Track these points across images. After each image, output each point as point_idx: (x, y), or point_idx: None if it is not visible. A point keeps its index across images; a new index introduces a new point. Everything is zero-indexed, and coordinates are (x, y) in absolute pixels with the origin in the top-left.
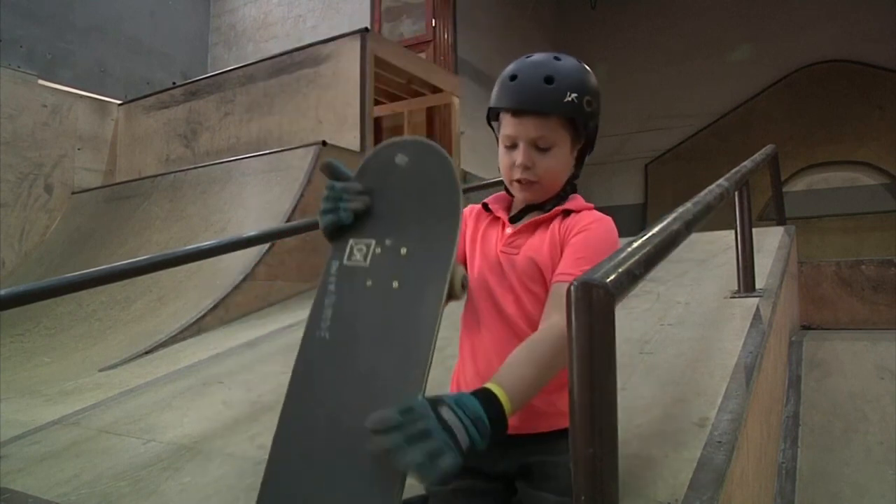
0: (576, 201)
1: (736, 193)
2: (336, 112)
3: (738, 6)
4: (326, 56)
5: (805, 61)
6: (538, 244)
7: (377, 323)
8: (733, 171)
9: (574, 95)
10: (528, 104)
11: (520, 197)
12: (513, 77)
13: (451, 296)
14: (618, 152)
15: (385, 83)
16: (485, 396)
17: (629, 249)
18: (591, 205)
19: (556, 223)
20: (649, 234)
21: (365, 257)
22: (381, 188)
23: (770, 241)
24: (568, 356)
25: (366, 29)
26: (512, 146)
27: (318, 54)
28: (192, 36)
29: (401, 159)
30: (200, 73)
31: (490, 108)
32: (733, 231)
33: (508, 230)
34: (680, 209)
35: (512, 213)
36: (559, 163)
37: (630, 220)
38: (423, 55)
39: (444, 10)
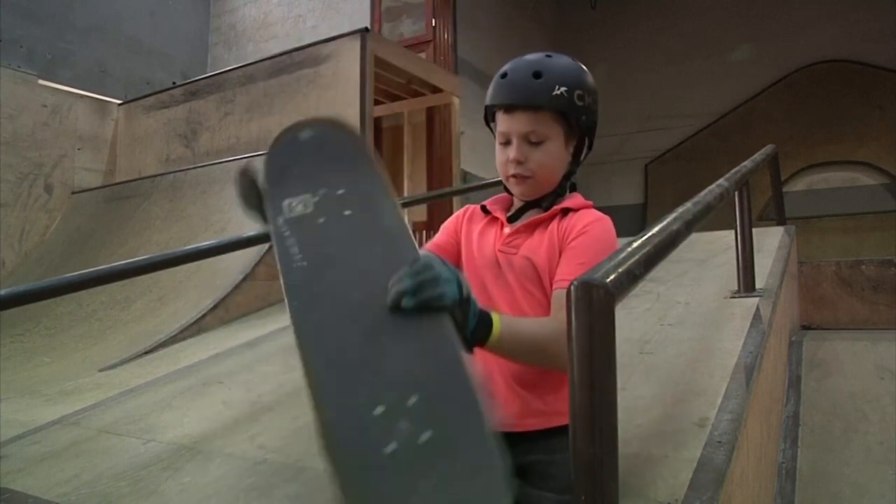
0: (574, 199)
1: (736, 193)
2: (336, 112)
3: (738, 6)
4: (326, 56)
5: (805, 61)
6: (536, 245)
7: (347, 239)
8: (733, 171)
9: (563, 89)
10: (518, 98)
11: (516, 192)
12: (504, 75)
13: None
14: (618, 152)
15: (385, 83)
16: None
17: (629, 249)
18: (591, 203)
19: (554, 223)
20: (649, 234)
21: (305, 207)
22: (294, 158)
23: (770, 241)
24: (568, 356)
25: (366, 29)
26: (506, 143)
27: (318, 54)
28: (192, 36)
29: (305, 134)
30: (200, 73)
31: (486, 109)
32: (733, 231)
33: (507, 230)
34: (680, 209)
35: (510, 213)
36: (552, 157)
37: (630, 220)
38: (423, 55)
39: (444, 10)
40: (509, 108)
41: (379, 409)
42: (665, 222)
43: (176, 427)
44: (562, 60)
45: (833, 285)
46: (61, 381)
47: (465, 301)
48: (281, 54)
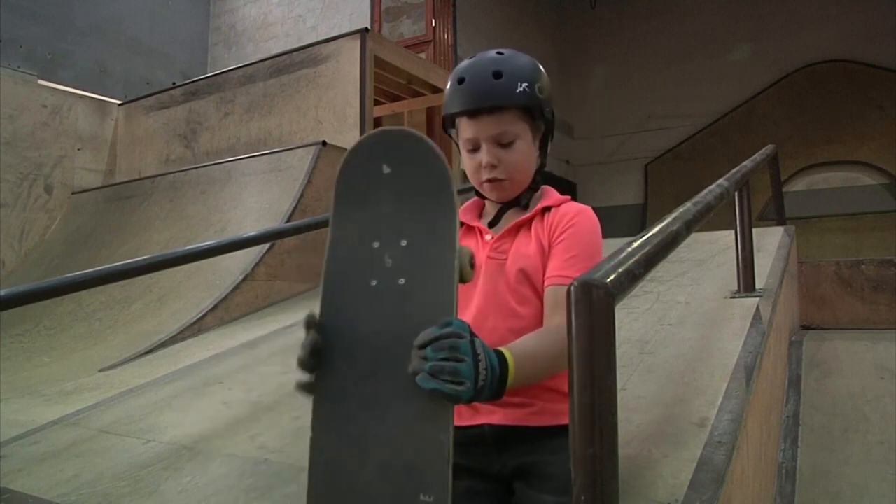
0: (551, 195)
1: (736, 193)
2: (336, 112)
3: (738, 6)
4: (326, 56)
5: (805, 61)
6: (524, 247)
7: (390, 316)
8: (733, 171)
9: (525, 85)
10: (482, 101)
11: (493, 197)
12: (461, 80)
13: (462, 278)
14: (618, 152)
15: (385, 83)
16: (498, 354)
17: (629, 249)
18: (568, 196)
19: (537, 222)
20: (649, 234)
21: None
22: (364, 198)
23: (770, 241)
24: (568, 356)
25: (366, 29)
26: (474, 149)
27: (318, 54)
28: (192, 36)
29: (387, 168)
30: (200, 73)
31: (445, 117)
32: (733, 231)
33: (488, 237)
34: (680, 209)
35: (490, 219)
36: (524, 156)
37: (630, 220)
38: (423, 55)
39: (444, 11)
40: (474, 114)
41: None
42: (665, 222)
43: (176, 427)
44: (515, 55)
45: (833, 285)
46: (61, 381)
47: (479, 393)
48: (281, 54)
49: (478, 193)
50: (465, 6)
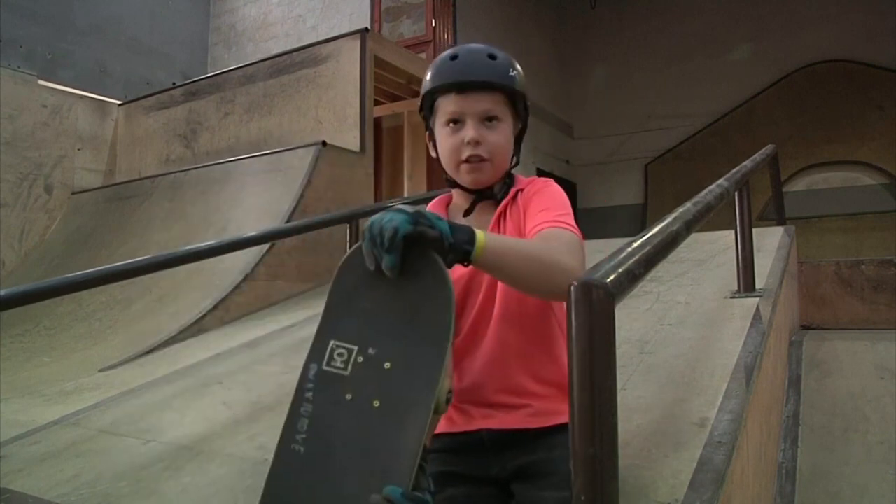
0: (520, 180)
1: (736, 193)
2: (336, 112)
3: (738, 6)
4: (326, 56)
5: (805, 61)
6: (512, 232)
7: (355, 442)
8: (733, 171)
9: (515, 72)
10: (476, 76)
11: (468, 180)
12: (453, 57)
13: (435, 411)
14: (618, 152)
15: (385, 83)
16: (467, 230)
17: (629, 249)
18: (534, 176)
19: (512, 207)
20: (649, 234)
21: (346, 364)
22: (366, 287)
23: (770, 241)
24: (568, 356)
25: (366, 29)
26: (457, 124)
27: (318, 54)
28: (192, 36)
29: (389, 268)
30: (200, 73)
31: (424, 96)
32: (733, 231)
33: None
34: (680, 209)
35: (461, 212)
36: (506, 139)
37: (630, 220)
38: (423, 55)
39: (444, 11)
40: (463, 89)
41: None
42: (665, 222)
43: (176, 427)
44: (503, 51)
45: (833, 285)
46: (61, 381)
47: (427, 228)
48: (281, 54)
49: (449, 184)
50: (465, 6)
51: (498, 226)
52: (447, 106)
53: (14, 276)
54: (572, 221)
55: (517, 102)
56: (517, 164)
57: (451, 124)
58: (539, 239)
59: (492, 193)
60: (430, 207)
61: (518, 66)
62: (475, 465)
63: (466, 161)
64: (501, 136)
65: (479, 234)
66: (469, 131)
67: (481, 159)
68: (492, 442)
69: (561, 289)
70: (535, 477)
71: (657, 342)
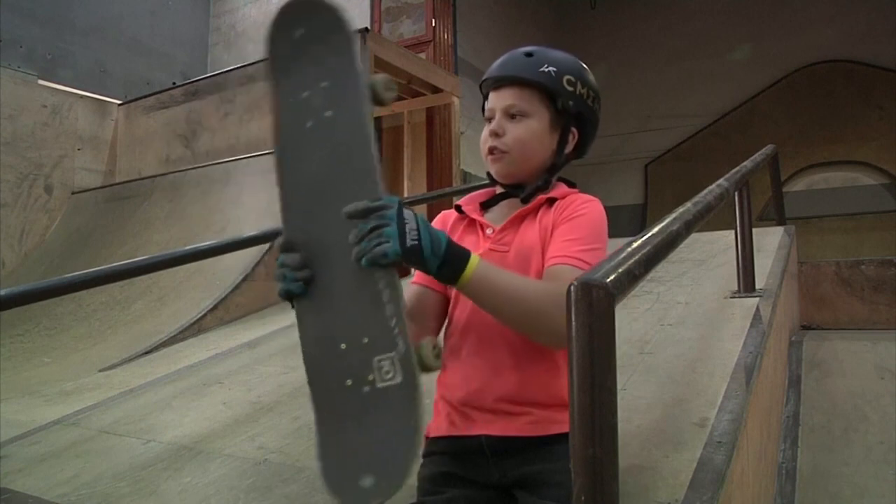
0: (558, 188)
1: (736, 193)
2: None
3: (738, 6)
4: None
5: (805, 61)
6: (528, 238)
7: (325, 149)
8: (733, 171)
9: (552, 69)
10: (506, 71)
11: (493, 170)
12: (501, 58)
13: (424, 367)
14: (618, 152)
15: None
16: (453, 241)
17: (629, 249)
18: (576, 189)
19: (542, 213)
20: (649, 234)
21: (308, 95)
22: (292, 51)
23: (770, 241)
24: (568, 356)
25: (366, 29)
26: (489, 120)
27: None
28: (192, 36)
29: (299, 33)
30: (200, 73)
31: (482, 92)
32: (733, 231)
33: (489, 231)
34: (680, 209)
35: (484, 200)
36: (530, 133)
37: (630, 220)
38: (423, 55)
39: (444, 11)
40: (497, 85)
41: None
42: (665, 222)
43: (176, 427)
44: (561, 53)
45: (833, 285)
46: (61, 381)
47: (413, 252)
48: None
49: (490, 180)
50: (465, 6)
51: (514, 228)
52: (486, 103)
53: (14, 276)
54: (595, 259)
55: (555, 99)
56: (556, 165)
57: (488, 120)
58: (548, 276)
59: (520, 191)
60: (464, 203)
61: (566, 64)
62: (475, 469)
63: (490, 152)
64: (524, 130)
65: (469, 267)
66: (493, 124)
67: (500, 151)
68: (491, 448)
69: (543, 338)
70: (539, 486)
71: (657, 342)
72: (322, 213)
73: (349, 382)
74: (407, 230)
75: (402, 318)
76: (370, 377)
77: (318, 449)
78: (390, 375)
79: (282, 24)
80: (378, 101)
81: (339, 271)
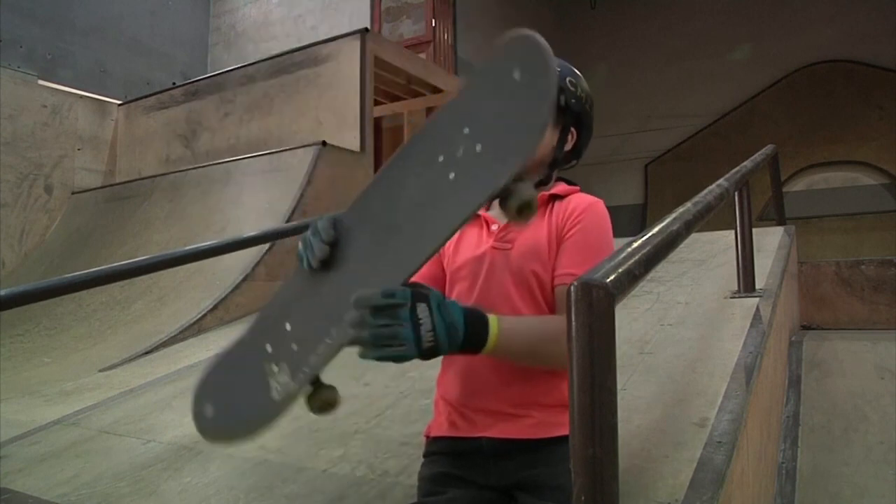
0: (559, 186)
1: (736, 193)
2: (336, 112)
3: (738, 6)
4: (326, 56)
5: (805, 61)
6: (533, 236)
7: (424, 192)
8: (733, 171)
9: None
10: None
11: None
12: None
13: (312, 407)
14: (618, 152)
15: (385, 83)
16: (474, 311)
17: (629, 249)
18: (577, 187)
19: (548, 210)
20: (649, 234)
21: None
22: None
23: (770, 241)
24: (568, 356)
25: (366, 29)
26: None
27: (318, 54)
28: (192, 36)
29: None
30: (200, 73)
31: None
32: (733, 231)
33: (494, 227)
34: (680, 209)
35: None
36: None
37: (630, 220)
38: (422, 55)
39: (444, 11)
40: None
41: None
42: (665, 222)
43: (176, 427)
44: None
45: (833, 285)
46: (61, 381)
47: (431, 353)
48: (281, 54)
49: None
50: (465, 6)
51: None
52: None
53: (14, 276)
54: None
55: (558, 95)
56: (556, 162)
57: None
58: (559, 297)
59: None
60: None
61: (567, 68)
62: (475, 470)
63: None
64: None
65: (490, 340)
66: None
67: None
68: (492, 450)
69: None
70: (539, 489)
71: (657, 342)
72: (372, 231)
73: (269, 351)
74: (422, 333)
75: (325, 361)
76: (277, 372)
77: (211, 366)
78: (286, 383)
79: (512, 58)
80: (510, 202)
81: (344, 280)
